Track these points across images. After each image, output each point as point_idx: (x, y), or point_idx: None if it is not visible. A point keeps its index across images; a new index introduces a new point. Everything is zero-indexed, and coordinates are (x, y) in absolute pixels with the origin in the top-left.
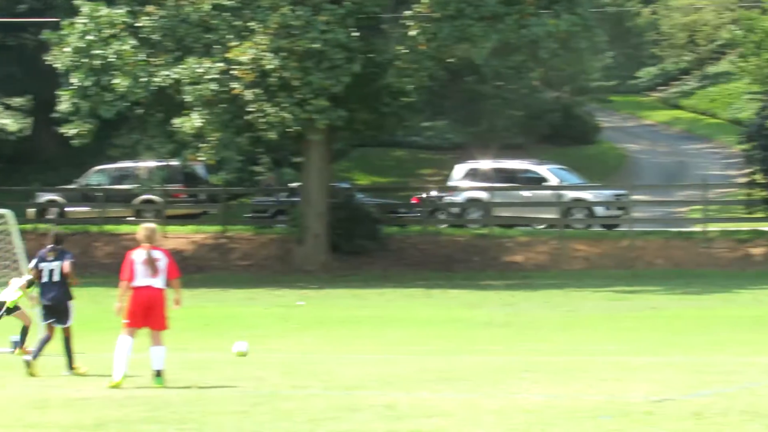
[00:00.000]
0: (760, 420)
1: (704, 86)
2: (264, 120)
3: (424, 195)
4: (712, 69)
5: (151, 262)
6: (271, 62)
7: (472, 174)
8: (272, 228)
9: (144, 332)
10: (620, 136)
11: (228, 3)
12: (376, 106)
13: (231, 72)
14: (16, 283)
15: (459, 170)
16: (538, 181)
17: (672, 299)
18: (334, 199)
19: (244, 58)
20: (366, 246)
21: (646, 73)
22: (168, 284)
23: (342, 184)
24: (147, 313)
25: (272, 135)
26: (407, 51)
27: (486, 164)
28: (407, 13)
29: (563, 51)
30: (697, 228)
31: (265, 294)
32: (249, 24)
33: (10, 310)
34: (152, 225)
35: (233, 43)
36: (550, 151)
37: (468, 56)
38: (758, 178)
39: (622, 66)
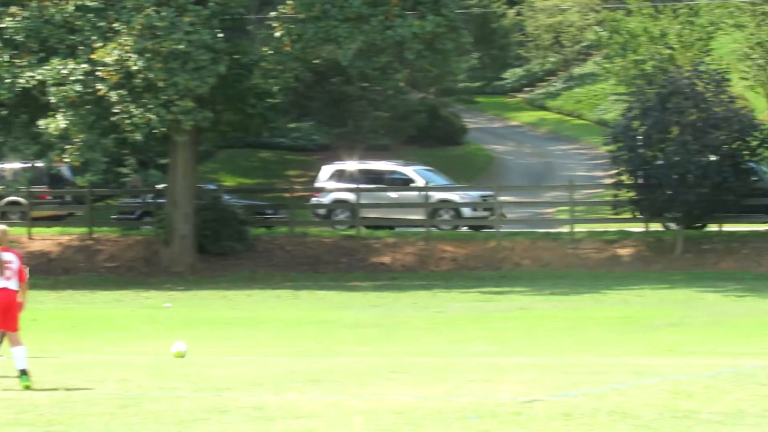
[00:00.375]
0: (628, 420)
1: (570, 87)
2: (129, 121)
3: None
4: (577, 70)
5: (1, 265)
6: (136, 63)
7: (339, 175)
8: (139, 230)
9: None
10: (487, 137)
11: (92, 4)
12: (242, 107)
13: (96, 73)
14: None
15: (325, 171)
16: (404, 183)
17: (540, 300)
18: (201, 201)
19: (108, 59)
20: (233, 247)
21: (512, 74)
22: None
23: (208, 186)
24: (3, 315)
25: (138, 136)
26: (272, 52)
27: (352, 165)
28: (272, 14)
29: (429, 52)
30: (565, 229)
31: (133, 295)
32: (113, 25)
33: None
34: (2, 227)
35: (98, 44)
36: (416, 153)
37: (333, 57)
38: (624, 179)
39: (488, 67)
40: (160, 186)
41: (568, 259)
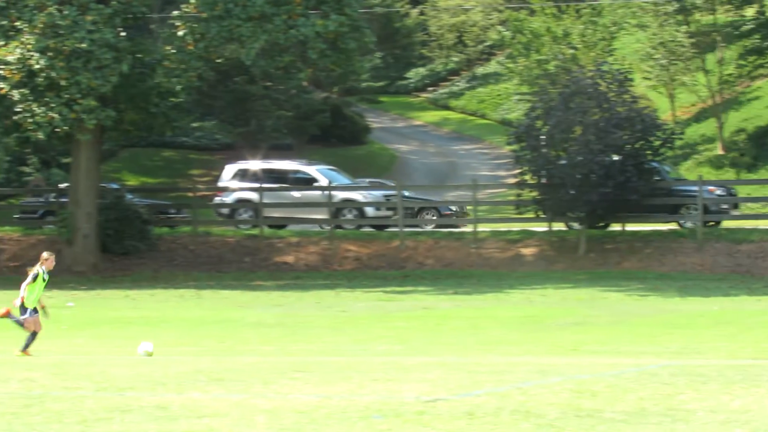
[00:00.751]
0: (531, 419)
1: (473, 87)
2: (32, 120)
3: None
4: (480, 70)
5: None
6: (38, 62)
7: (242, 174)
8: (41, 229)
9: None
10: (390, 136)
11: None
12: (145, 106)
13: None
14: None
15: (228, 171)
16: (307, 182)
17: (443, 299)
18: (104, 200)
19: (10, 58)
20: (136, 247)
21: (415, 73)
22: None
23: (111, 185)
24: None
25: (40, 135)
26: (175, 51)
27: (255, 165)
28: (175, 13)
29: (332, 51)
30: (468, 228)
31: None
32: (15, 23)
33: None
34: None
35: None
36: (320, 152)
37: (237, 56)
38: (528, 178)
39: (391, 67)
40: (62, 185)
41: (471, 259)
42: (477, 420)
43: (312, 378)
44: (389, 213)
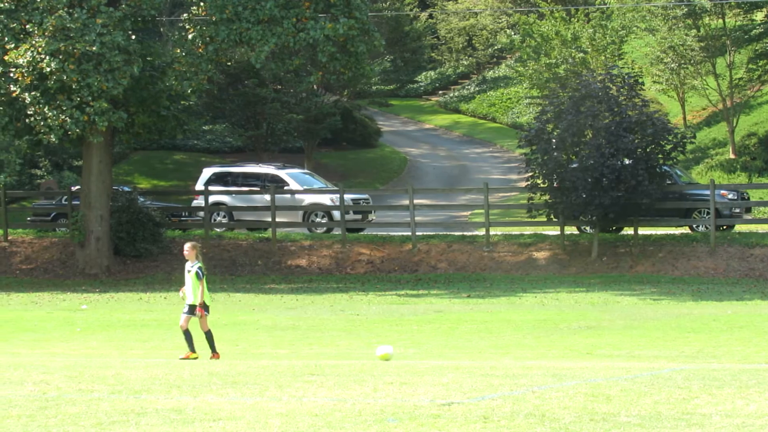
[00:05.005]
0: (546, 423)
1: (484, 90)
2: (43, 123)
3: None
4: (490, 73)
5: None
6: (49, 65)
7: (217, 178)
8: (54, 231)
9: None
10: (401, 140)
11: (3, 5)
12: (156, 109)
13: (9, 74)
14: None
15: (205, 174)
16: (278, 186)
17: (456, 303)
18: (116, 203)
19: (21, 61)
20: (149, 249)
21: (425, 77)
22: None
23: (123, 188)
24: None
25: (52, 138)
26: (185, 54)
27: (230, 168)
28: (184, 16)
29: (341, 54)
30: (480, 232)
31: (49, 297)
32: (26, 26)
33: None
34: None
35: (10, 46)
36: (331, 155)
37: (246, 59)
38: (539, 182)
39: (401, 70)
40: (74, 188)
41: (484, 262)
42: (492, 423)
43: (326, 381)
44: (357, 217)
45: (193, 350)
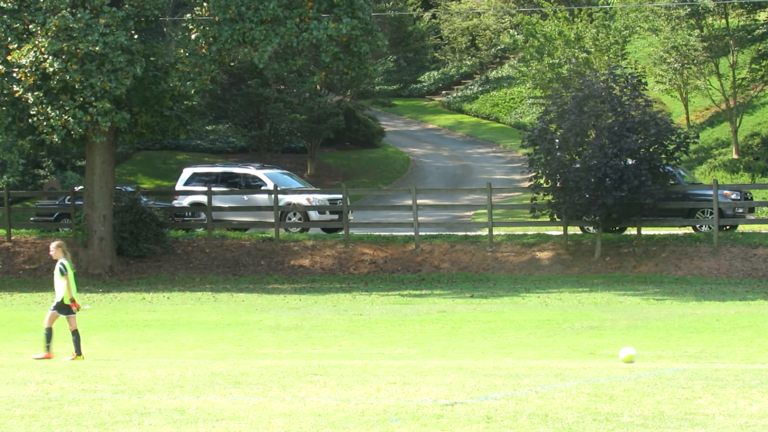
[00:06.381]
0: (549, 423)
1: (487, 90)
2: (46, 123)
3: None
4: (494, 74)
5: None
6: (51, 65)
7: (197, 178)
8: (57, 232)
9: None
10: (404, 140)
11: (6, 5)
12: (159, 109)
13: (11, 74)
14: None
15: (185, 174)
16: (256, 186)
17: (459, 303)
18: (119, 203)
19: (24, 61)
20: (152, 250)
21: (428, 77)
22: None
23: (126, 188)
24: None
25: (55, 138)
26: (188, 54)
27: (209, 168)
28: (187, 16)
29: (344, 54)
30: (483, 232)
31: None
32: (29, 26)
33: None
34: None
35: (13, 46)
36: (334, 155)
37: (250, 60)
38: (542, 182)
39: (404, 70)
40: (77, 188)
41: (487, 262)
42: (495, 423)
43: (329, 381)
44: (334, 216)
45: (48, 350)
